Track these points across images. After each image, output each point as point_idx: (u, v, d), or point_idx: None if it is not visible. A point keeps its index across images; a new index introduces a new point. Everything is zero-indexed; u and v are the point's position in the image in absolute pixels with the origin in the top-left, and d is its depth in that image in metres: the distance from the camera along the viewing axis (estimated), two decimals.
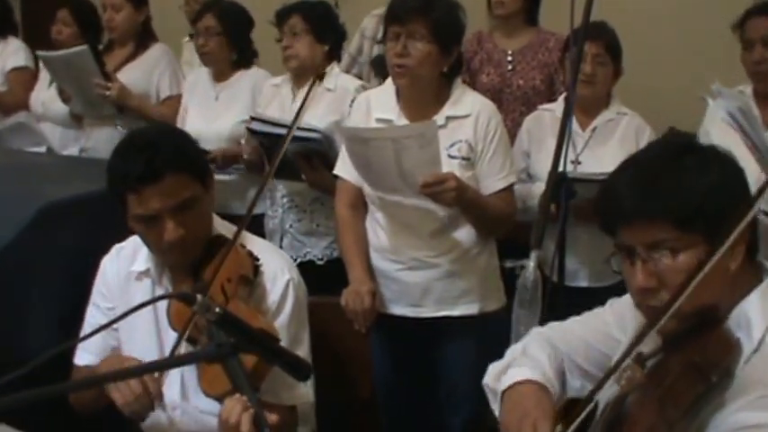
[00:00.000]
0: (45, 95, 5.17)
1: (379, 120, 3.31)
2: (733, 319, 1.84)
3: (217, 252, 2.47)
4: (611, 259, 1.99)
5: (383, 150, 3.04)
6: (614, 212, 1.90)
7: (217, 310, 1.82)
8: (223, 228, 2.62)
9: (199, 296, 1.84)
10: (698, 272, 1.67)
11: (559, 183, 2.90)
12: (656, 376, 1.83)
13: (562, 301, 2.84)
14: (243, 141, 4.13)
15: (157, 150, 2.43)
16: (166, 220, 2.41)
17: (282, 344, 2.28)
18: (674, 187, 1.81)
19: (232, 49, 4.48)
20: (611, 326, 2.18)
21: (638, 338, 1.81)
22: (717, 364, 1.75)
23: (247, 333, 1.89)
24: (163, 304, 2.52)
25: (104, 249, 2.76)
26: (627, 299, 2.06)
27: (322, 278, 3.23)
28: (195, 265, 2.50)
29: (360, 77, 4.64)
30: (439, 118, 3.20)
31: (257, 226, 3.99)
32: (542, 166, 3.63)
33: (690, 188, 1.81)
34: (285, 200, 4.02)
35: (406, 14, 3.15)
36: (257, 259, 2.51)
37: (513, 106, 4.41)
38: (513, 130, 3.95)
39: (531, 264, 2.76)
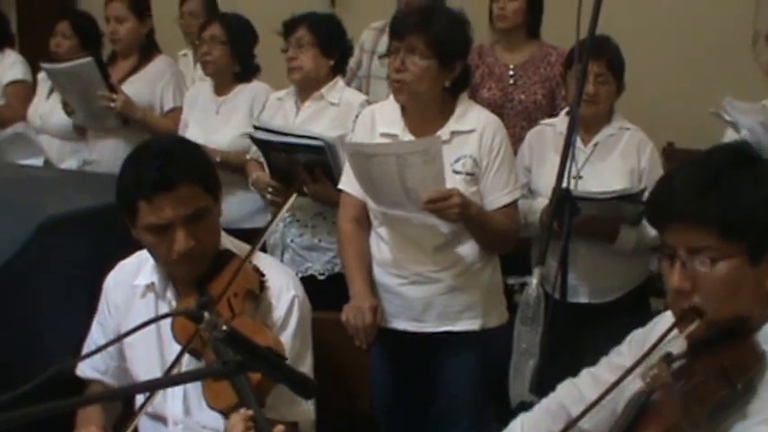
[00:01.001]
0: (43, 108, 5.18)
1: (383, 134, 3.31)
2: (763, 334, 1.88)
3: (223, 266, 2.49)
4: (652, 257, 2.04)
5: (387, 166, 3.05)
6: (664, 209, 1.94)
7: (224, 327, 1.83)
8: (229, 242, 2.63)
9: (206, 314, 1.84)
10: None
11: (562, 200, 2.91)
12: (681, 377, 1.88)
13: (563, 318, 2.87)
14: (254, 176, 4.11)
15: (172, 159, 2.44)
16: (177, 230, 2.41)
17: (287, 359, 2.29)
18: (726, 196, 1.84)
19: (235, 61, 4.48)
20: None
21: (664, 335, 1.89)
22: (743, 372, 1.80)
23: (254, 351, 1.89)
24: None
25: (106, 264, 2.76)
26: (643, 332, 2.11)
27: (323, 293, 3.23)
28: (201, 279, 2.50)
29: (359, 91, 4.64)
30: (443, 133, 3.21)
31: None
32: (544, 182, 3.65)
33: (741, 199, 1.84)
34: (286, 214, 4.00)
35: (404, 29, 3.17)
36: (263, 275, 2.52)
37: (515, 121, 4.42)
38: (514, 145, 3.93)
39: (533, 281, 2.78)
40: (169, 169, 2.41)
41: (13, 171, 4.13)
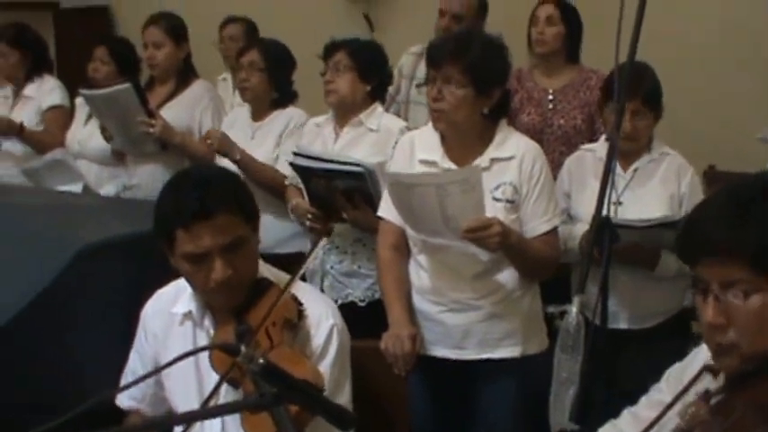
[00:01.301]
0: (81, 133, 5.21)
1: (422, 161, 3.30)
2: None
3: (261, 295, 2.48)
4: (688, 291, 2.00)
5: (427, 196, 3.03)
6: (695, 244, 1.90)
7: (260, 360, 1.81)
8: (267, 271, 2.62)
9: (243, 347, 1.83)
10: None
11: (603, 228, 2.88)
12: (720, 414, 1.84)
13: (604, 345, 2.84)
14: (293, 202, 4.10)
15: (211, 188, 2.45)
16: (216, 259, 2.41)
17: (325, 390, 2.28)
18: (756, 227, 1.80)
19: (273, 87, 4.49)
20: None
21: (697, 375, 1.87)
22: None
23: (291, 383, 1.88)
24: (203, 343, 2.55)
25: (144, 292, 2.77)
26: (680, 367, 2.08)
27: (363, 320, 3.24)
28: (238, 308, 2.49)
29: (398, 116, 4.64)
30: (483, 160, 3.20)
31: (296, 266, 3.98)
32: (583, 208, 3.62)
33: None
34: (324, 241, 3.98)
35: (440, 58, 3.16)
36: (301, 303, 2.51)
37: (554, 146, 4.40)
38: (553, 170, 3.91)
39: (573, 309, 2.75)
40: (207, 198, 2.41)
41: (51, 198, 4.17)
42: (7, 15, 8.72)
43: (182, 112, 4.81)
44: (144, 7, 7.84)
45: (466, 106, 3.16)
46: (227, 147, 4.36)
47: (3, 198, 4.03)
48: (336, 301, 3.63)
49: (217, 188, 2.46)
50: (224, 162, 4.28)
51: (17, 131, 5.34)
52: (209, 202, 2.41)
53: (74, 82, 5.56)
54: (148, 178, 4.75)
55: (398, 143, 3.52)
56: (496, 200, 3.16)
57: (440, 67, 3.15)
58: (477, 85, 3.14)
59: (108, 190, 4.96)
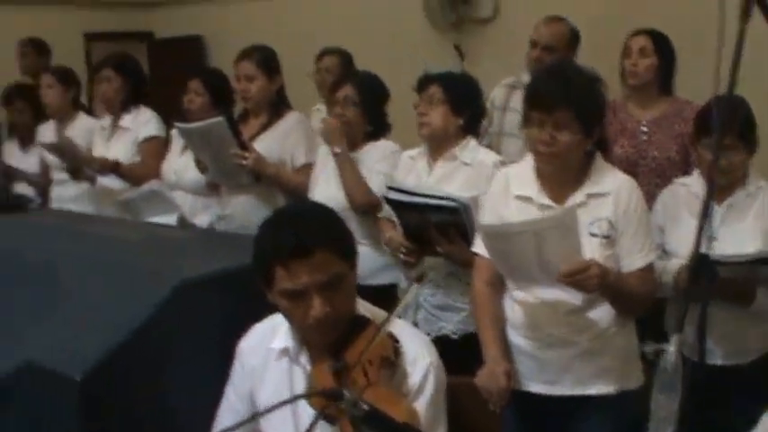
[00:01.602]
0: (177, 164, 5.29)
1: (518, 197, 3.29)
2: None
3: (358, 332, 2.48)
4: None
5: (523, 243, 3.01)
6: None
7: (364, 407, 1.82)
8: (363, 307, 2.63)
9: (346, 392, 1.84)
10: None
11: (700, 266, 2.84)
12: None
13: (701, 382, 2.80)
14: (387, 235, 4.11)
15: (309, 226, 2.47)
16: (313, 297, 2.42)
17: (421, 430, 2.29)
18: None
19: (367, 121, 4.51)
20: None
21: None
22: None
23: (392, 429, 1.88)
24: (300, 381, 2.56)
25: (239, 326, 2.79)
26: None
27: (456, 353, 3.21)
28: (335, 345, 2.49)
29: (490, 148, 4.63)
30: (579, 196, 3.18)
31: (389, 298, 4.01)
32: (678, 243, 3.59)
33: None
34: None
35: (549, 102, 3.11)
36: (398, 341, 2.51)
37: (648, 178, 4.36)
38: (647, 202, 3.89)
39: (671, 348, 2.71)
40: (306, 236, 2.43)
41: (148, 231, 4.22)
42: (103, 45, 9.02)
43: (275, 143, 4.85)
44: (236, 37, 7.99)
45: (576, 149, 3.15)
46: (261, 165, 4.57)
47: (100, 231, 4.10)
48: (429, 334, 3.64)
49: (315, 225, 2.48)
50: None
51: (112, 169, 5.46)
52: (307, 239, 2.42)
53: (167, 111, 5.68)
54: (242, 209, 4.83)
55: (493, 180, 3.49)
56: (593, 235, 3.14)
57: (550, 111, 3.10)
58: (585, 127, 3.13)
59: (202, 220, 5.04)
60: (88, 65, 8.93)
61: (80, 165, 5.63)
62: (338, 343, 2.49)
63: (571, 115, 3.09)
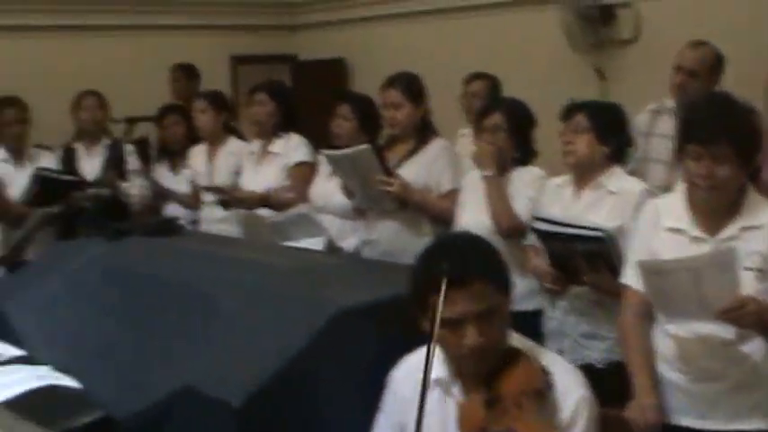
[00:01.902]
0: (325, 188, 5.38)
1: (669, 229, 3.26)
2: None
3: (510, 364, 2.52)
4: None
5: (681, 279, 2.99)
6: None
7: None
8: (517, 340, 2.66)
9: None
10: None
11: None
12: None
13: None
14: (533, 263, 4.14)
15: (469, 256, 2.53)
16: (468, 326, 2.46)
17: None
18: None
19: (515, 147, 4.52)
20: None
21: None
22: None
23: None
24: (452, 412, 2.60)
25: (393, 357, 2.83)
26: None
27: (601, 382, 3.21)
28: (488, 376, 2.53)
29: (634, 174, 4.61)
30: (732, 229, 3.14)
31: (534, 325, 4.02)
32: None
33: None
34: (564, 302, 4.02)
35: (707, 136, 3.07)
36: (549, 373, 2.54)
37: None
38: None
39: None
40: (465, 265, 2.48)
41: (300, 258, 4.25)
42: (248, 68, 9.24)
43: (421, 170, 4.88)
44: (379, 60, 8.16)
45: (735, 182, 3.12)
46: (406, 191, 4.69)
47: (252, 257, 4.17)
48: (575, 362, 3.61)
49: (474, 256, 2.54)
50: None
51: (262, 203, 5.64)
52: (465, 269, 2.47)
53: (311, 132, 5.82)
54: (387, 234, 4.89)
55: (643, 211, 3.48)
56: (747, 269, 3.08)
57: (708, 145, 3.06)
58: (743, 160, 3.10)
59: (349, 243, 5.11)
60: (234, 88, 9.19)
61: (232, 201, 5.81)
62: (491, 373, 2.53)
63: (730, 150, 3.05)
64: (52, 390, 3.34)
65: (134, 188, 6.61)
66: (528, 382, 2.47)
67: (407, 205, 4.82)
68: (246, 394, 2.88)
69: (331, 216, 5.29)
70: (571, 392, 2.57)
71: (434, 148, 4.99)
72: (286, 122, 5.84)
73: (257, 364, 3.00)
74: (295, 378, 2.95)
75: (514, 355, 2.55)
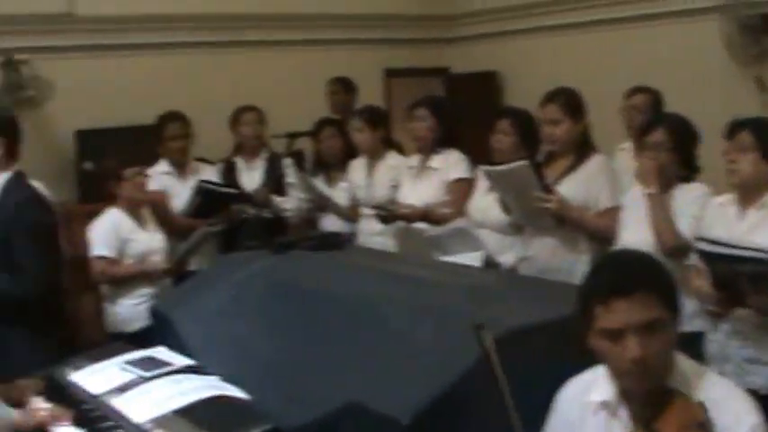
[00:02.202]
0: (483, 203, 5.41)
1: None
2: None
3: (668, 403, 2.46)
4: None
5: None
6: None
7: None
8: (684, 362, 2.60)
9: None
10: None
11: None
12: None
13: None
14: (695, 284, 4.08)
15: (632, 266, 2.53)
16: (629, 337, 2.43)
17: None
18: None
19: (678, 164, 4.47)
20: None
21: None
22: None
23: None
24: None
25: (559, 379, 2.82)
26: None
27: (765, 409, 3.17)
28: (655, 401, 2.48)
29: None
30: None
31: (694, 348, 3.94)
32: None
33: None
34: (727, 325, 3.97)
35: None
36: (707, 410, 2.42)
37: None
38: None
39: None
40: (627, 274, 2.49)
41: (460, 274, 4.27)
42: (401, 81, 9.35)
43: (579, 186, 4.88)
44: (531, 73, 8.15)
45: None
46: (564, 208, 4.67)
47: (414, 273, 4.20)
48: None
49: (637, 266, 2.54)
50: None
51: (422, 218, 5.71)
52: (628, 279, 2.47)
53: (465, 144, 5.87)
54: (544, 250, 4.91)
55: None
56: None
57: None
58: None
59: (506, 259, 5.13)
60: (388, 100, 9.31)
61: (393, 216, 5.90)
62: (658, 396, 2.48)
63: None
64: (223, 400, 3.45)
65: (289, 202, 6.77)
66: (688, 417, 2.41)
67: (565, 222, 4.82)
68: (415, 412, 2.88)
69: (489, 231, 5.30)
70: (742, 421, 2.50)
71: (593, 164, 4.97)
72: (446, 138, 5.87)
73: (425, 381, 3.00)
74: (462, 397, 2.95)
75: (670, 395, 2.49)
